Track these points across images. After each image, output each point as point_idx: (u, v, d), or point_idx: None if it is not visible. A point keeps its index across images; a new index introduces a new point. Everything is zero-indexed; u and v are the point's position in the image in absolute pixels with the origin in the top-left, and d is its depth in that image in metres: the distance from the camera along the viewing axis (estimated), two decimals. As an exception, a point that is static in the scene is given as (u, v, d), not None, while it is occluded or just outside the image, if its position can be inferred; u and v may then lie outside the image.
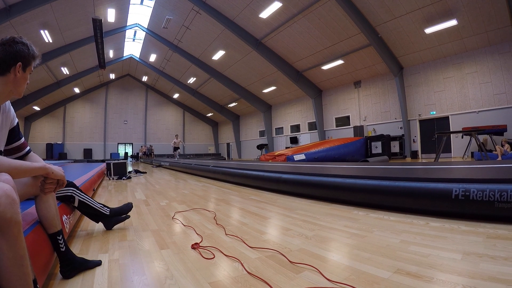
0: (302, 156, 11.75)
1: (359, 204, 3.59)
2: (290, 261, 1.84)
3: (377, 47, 15.65)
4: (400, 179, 3.25)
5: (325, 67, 19.56)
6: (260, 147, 28.02)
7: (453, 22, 13.26)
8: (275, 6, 15.57)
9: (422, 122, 17.05)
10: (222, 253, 2.05)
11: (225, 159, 32.54)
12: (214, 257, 1.98)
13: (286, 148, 21.43)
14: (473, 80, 14.80)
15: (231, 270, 1.76)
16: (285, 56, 20.33)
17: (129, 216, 2.93)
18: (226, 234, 2.56)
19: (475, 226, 2.43)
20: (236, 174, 6.62)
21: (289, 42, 18.60)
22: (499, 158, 10.19)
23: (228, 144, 38.43)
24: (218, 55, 22.59)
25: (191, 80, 29.49)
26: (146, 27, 24.11)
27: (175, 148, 22.58)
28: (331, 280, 1.55)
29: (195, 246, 2.19)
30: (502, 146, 11.04)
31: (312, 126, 24.40)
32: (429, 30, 14.10)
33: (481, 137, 13.58)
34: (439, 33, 14.20)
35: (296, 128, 26.36)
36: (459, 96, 15.33)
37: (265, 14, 16.42)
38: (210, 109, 34.82)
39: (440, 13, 13.17)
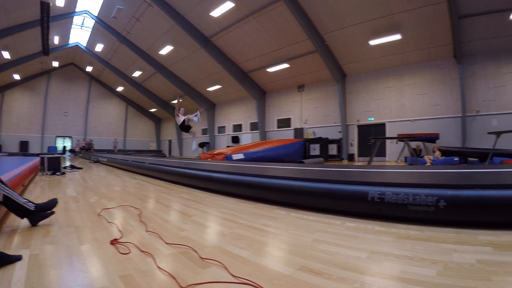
0: (241, 156, 11.77)
1: (283, 204, 3.64)
2: (201, 257, 1.89)
3: (322, 54, 16.07)
4: (322, 181, 3.33)
5: (271, 70, 19.79)
6: (201, 145, 27.77)
7: (397, 37, 13.94)
8: (228, 5, 15.46)
9: (360, 127, 17.78)
10: (138, 248, 2.07)
11: (165, 156, 31.89)
12: (129, 252, 2.01)
13: (228, 147, 21.36)
14: (411, 91, 15.69)
15: (142, 265, 1.78)
16: (233, 56, 20.32)
17: (54, 212, 2.90)
18: (146, 230, 2.57)
19: (389, 227, 2.52)
20: (170, 172, 6.53)
21: (237, 42, 18.60)
22: (428, 164, 10.78)
23: (170, 141, 37.75)
24: (166, 50, 22.09)
25: (137, 73, 28.58)
26: (96, 15, 23.10)
27: (185, 128, 8.84)
28: (235, 276, 1.59)
29: (114, 242, 2.21)
30: (434, 152, 11.70)
31: (254, 126, 24.59)
32: (373, 42, 14.69)
33: (415, 144, 14.43)
34: (383, 46, 14.86)
35: (238, 127, 26.46)
36: (397, 105, 16.17)
37: (216, 12, 16.25)
38: (154, 104, 33.97)
39: (386, 27, 13.78)
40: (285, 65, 18.75)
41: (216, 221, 3.00)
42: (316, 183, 3.34)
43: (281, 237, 2.34)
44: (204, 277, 1.60)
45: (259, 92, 23.18)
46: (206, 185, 5.08)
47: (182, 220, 3.05)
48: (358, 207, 2.89)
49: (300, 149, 15.49)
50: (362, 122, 17.53)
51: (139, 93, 32.06)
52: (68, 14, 21.79)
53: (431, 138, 13.81)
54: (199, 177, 5.30)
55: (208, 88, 25.38)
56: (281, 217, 3.07)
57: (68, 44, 27.94)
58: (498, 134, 9.32)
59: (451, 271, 1.60)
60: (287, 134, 21.25)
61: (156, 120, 40.20)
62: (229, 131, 27.12)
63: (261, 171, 4.94)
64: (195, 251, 1.99)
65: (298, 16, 14.22)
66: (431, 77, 15.07)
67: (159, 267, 1.72)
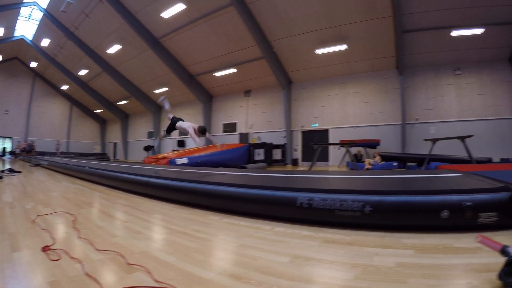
0: (185, 160, 11.69)
1: (218, 210, 3.66)
2: (128, 263, 1.89)
3: (269, 60, 16.38)
4: (254, 187, 3.39)
5: (218, 74, 19.91)
6: (147, 148, 27.13)
7: (343, 47, 14.59)
8: (179, 7, 15.38)
9: (304, 133, 18.29)
10: (68, 255, 2.05)
11: (109, 159, 30.79)
12: (59, 259, 1.98)
13: (173, 151, 21.10)
14: (354, 99, 16.41)
15: (71, 271, 1.79)
16: (181, 58, 20.15)
17: None
18: (79, 237, 2.53)
19: (317, 231, 2.60)
20: (110, 177, 6.34)
21: (187, 45, 18.46)
22: (367, 167, 11.26)
23: (115, 144, 36.47)
24: (114, 49, 21.52)
25: (83, 72, 27.47)
26: (45, 8, 21.89)
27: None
28: (157, 281, 1.62)
29: (45, 249, 2.17)
30: (374, 157, 12.21)
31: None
32: (320, 51, 15.22)
33: (357, 149, 15.08)
34: (329, 55, 15.44)
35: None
36: (340, 112, 16.83)
37: (167, 13, 16.10)
38: (100, 105, 32.72)
39: (333, 37, 14.32)
40: (232, 70, 18.95)
41: (148, 227, 2.99)
42: (249, 188, 3.39)
43: (209, 243, 2.38)
44: (128, 282, 1.62)
45: (206, 96, 23.18)
46: (145, 190, 4.99)
47: (116, 226, 3.03)
48: (287, 212, 2.95)
49: (245, 154, 15.61)
50: (306, 128, 18.04)
51: (85, 92, 30.71)
52: (15, 4, 20.63)
53: (372, 144, 14.48)
54: (137, 182, 5.20)
55: (155, 90, 24.93)
56: (214, 222, 3.09)
57: (14, 36, 26.19)
58: (434, 141, 10.00)
59: (369, 275, 1.66)
60: (233, 139, 21.37)
61: (101, 122, 38.68)
62: (175, 135, 26.72)
63: (198, 176, 4.94)
64: (123, 256, 2.00)
65: (247, 22, 14.42)
66: (373, 86, 15.85)
67: (86, 273, 1.72)
